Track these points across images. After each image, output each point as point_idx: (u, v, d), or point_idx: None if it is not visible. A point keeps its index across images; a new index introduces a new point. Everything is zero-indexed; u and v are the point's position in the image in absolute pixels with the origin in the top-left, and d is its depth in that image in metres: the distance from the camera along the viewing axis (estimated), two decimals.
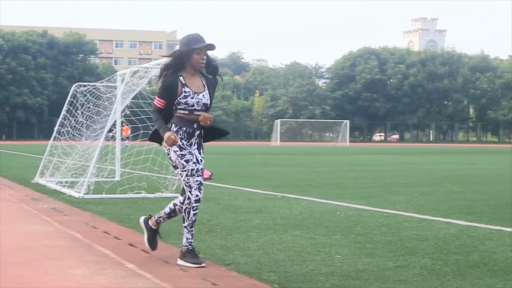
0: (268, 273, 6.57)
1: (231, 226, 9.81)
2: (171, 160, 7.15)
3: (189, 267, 6.86)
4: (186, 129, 7.12)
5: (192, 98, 7.07)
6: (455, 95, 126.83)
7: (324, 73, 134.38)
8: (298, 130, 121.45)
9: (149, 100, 16.55)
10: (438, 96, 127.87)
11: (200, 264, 6.90)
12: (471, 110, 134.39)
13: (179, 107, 7.09)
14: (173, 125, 7.11)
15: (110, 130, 16.38)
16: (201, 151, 7.26)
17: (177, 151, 7.06)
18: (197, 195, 7.01)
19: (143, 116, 16.09)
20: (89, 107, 18.46)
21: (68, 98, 19.10)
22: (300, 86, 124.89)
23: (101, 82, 19.01)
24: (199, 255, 7.09)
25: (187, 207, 7.02)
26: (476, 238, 8.84)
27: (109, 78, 19.29)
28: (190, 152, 7.10)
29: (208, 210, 11.78)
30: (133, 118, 17.31)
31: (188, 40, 7.10)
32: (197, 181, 7.03)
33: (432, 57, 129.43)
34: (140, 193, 14.38)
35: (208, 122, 7.09)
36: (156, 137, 7.29)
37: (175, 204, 7.34)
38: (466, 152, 58.42)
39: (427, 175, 22.85)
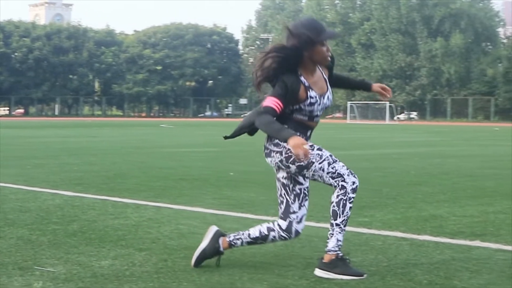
0: None
1: None
2: (299, 162, 5.39)
3: (347, 280, 5.31)
4: (301, 136, 5.46)
5: (319, 104, 5.48)
6: (81, 69, 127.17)
7: None
8: None
9: None
10: (63, 70, 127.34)
11: (362, 275, 5.40)
12: (96, 84, 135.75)
13: (299, 111, 5.46)
14: None
15: None
16: None
17: None
18: (353, 182, 5.37)
19: None
20: None
21: None
22: None
23: None
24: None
25: (342, 198, 5.36)
26: (80, 208, 9.00)
27: None
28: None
29: None
30: None
31: (308, 29, 5.32)
32: (344, 165, 5.42)
33: (58, 31, 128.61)
34: None
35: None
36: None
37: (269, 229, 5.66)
38: (90, 125, 59.04)
39: (44, 148, 22.78)
